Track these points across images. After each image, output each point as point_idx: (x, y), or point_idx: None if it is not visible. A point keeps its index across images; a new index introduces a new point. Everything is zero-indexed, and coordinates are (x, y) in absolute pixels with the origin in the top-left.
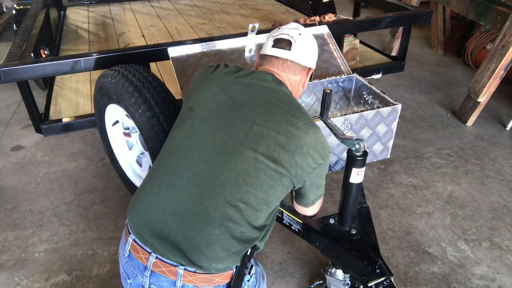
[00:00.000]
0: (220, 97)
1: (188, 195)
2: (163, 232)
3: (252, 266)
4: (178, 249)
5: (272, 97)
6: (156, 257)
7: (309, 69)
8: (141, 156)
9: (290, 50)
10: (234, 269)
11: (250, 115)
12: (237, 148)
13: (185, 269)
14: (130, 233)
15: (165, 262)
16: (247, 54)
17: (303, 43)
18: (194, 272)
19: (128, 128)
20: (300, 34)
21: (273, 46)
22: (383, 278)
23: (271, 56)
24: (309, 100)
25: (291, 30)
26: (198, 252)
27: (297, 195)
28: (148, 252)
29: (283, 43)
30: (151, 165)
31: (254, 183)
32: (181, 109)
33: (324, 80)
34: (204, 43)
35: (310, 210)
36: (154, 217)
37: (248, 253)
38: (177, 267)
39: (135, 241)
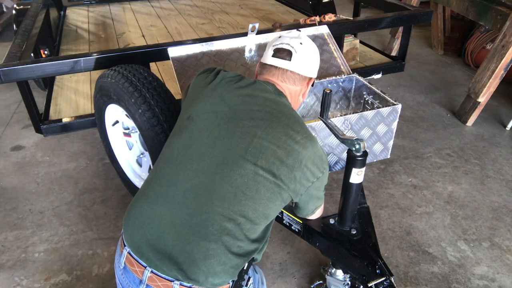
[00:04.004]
0: (220, 108)
1: (185, 208)
2: (159, 245)
3: (249, 278)
4: (174, 262)
5: (273, 109)
6: (152, 271)
7: (310, 78)
8: (141, 156)
9: (290, 60)
10: (231, 283)
11: (250, 128)
12: (237, 161)
13: (180, 284)
14: (125, 246)
15: (161, 276)
16: (247, 54)
17: (304, 53)
18: (190, 287)
19: (128, 128)
20: (301, 43)
21: (273, 56)
22: (383, 278)
23: (271, 65)
24: (309, 100)
25: (292, 39)
26: (194, 266)
27: (296, 207)
28: (143, 266)
29: (283, 53)
30: (151, 166)
31: (254, 197)
32: (178, 116)
33: (324, 80)
34: (204, 43)
35: (310, 217)
36: (150, 229)
37: (245, 268)
38: (172, 282)
39: (130, 254)
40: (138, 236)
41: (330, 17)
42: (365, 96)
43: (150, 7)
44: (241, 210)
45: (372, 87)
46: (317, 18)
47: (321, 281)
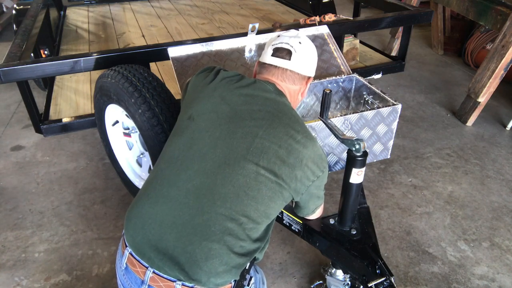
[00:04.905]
0: (221, 107)
1: (186, 208)
2: (160, 246)
3: (251, 277)
4: (176, 263)
5: (274, 109)
6: (153, 272)
7: (309, 78)
8: (141, 156)
9: (290, 59)
10: (233, 283)
11: (252, 128)
12: (239, 161)
13: (182, 284)
14: (126, 246)
15: (163, 277)
16: (247, 54)
17: (303, 53)
18: (192, 287)
19: (128, 128)
20: (300, 42)
21: (272, 55)
22: (383, 279)
23: (271, 65)
24: (309, 100)
25: (291, 38)
26: (196, 266)
27: (297, 206)
28: (145, 266)
29: (283, 52)
30: (151, 166)
31: (255, 196)
32: (178, 116)
33: (324, 80)
34: (204, 43)
35: (311, 217)
36: (151, 230)
37: (247, 267)
38: (174, 282)
39: (131, 254)
40: (139, 236)
41: (330, 17)
42: (365, 96)
43: (150, 7)
44: (243, 210)
45: (372, 87)
46: (317, 18)
47: (321, 281)
